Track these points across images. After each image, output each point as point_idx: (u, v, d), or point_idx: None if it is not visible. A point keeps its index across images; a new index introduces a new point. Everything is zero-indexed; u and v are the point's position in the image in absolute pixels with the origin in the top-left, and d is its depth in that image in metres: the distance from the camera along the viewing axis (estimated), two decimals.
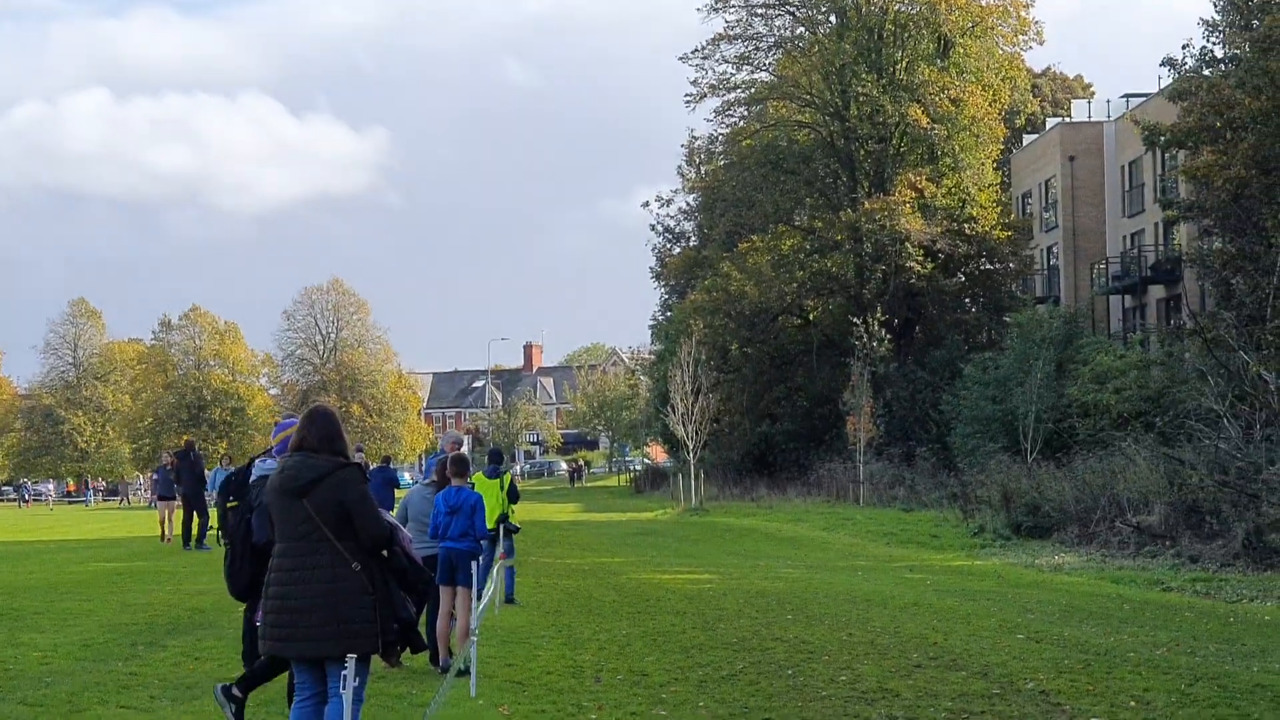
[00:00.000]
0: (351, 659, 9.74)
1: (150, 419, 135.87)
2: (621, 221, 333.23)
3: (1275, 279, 33.63)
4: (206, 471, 43.99)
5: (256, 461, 13.22)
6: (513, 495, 25.33)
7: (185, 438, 47.83)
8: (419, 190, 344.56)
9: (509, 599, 25.04)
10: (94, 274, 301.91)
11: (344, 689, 9.71)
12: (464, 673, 15.79)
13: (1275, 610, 26.32)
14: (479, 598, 20.63)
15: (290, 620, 10.03)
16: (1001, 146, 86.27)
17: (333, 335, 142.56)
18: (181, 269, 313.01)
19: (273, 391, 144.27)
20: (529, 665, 17.57)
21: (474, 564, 16.77)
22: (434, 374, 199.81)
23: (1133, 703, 14.91)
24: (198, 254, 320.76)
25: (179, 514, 41.90)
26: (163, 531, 43.67)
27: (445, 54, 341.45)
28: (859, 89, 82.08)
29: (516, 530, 26.15)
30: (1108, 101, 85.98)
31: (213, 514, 46.47)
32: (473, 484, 19.14)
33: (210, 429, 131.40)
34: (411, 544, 10.94)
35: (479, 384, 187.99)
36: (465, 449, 20.40)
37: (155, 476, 51.02)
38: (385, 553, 10.44)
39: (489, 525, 23.97)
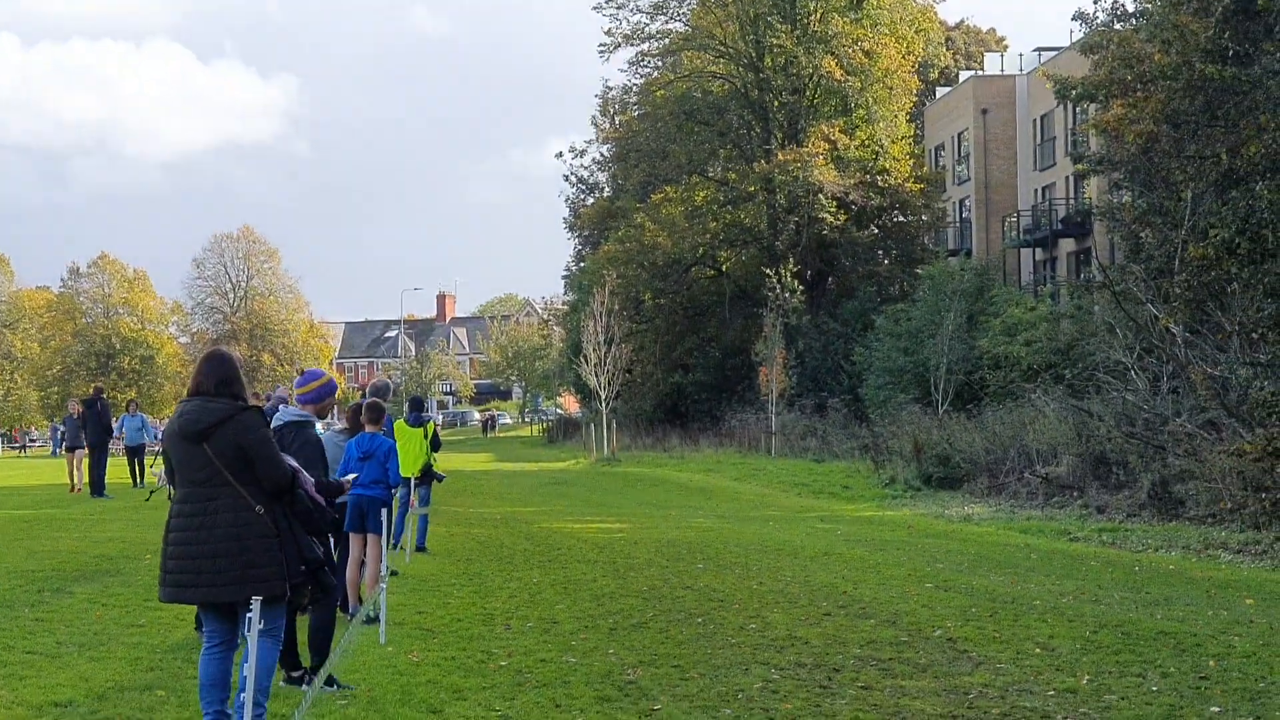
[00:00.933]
0: (257, 601, 9.61)
1: (59, 367, 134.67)
2: (534, 171, 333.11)
3: (1183, 232, 33.88)
4: (114, 420, 43.60)
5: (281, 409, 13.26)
6: (435, 444, 25.36)
7: (95, 385, 47.30)
8: (328, 139, 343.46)
9: (420, 547, 24.99)
10: (1, 221, 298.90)
11: (248, 631, 9.51)
12: (373, 620, 15.77)
13: (1179, 560, 26.63)
14: (394, 546, 20.60)
15: (193, 566, 9.95)
16: (914, 99, 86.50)
17: (243, 284, 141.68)
18: (90, 216, 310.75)
19: (182, 340, 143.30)
20: (439, 613, 17.54)
21: (384, 511, 16.69)
22: (346, 324, 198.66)
23: (1038, 649, 15.04)
24: (106, 202, 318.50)
25: (86, 462, 41.60)
26: (71, 480, 43.30)
27: (354, 1, 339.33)
28: (773, 40, 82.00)
29: (442, 479, 26.25)
30: (1020, 55, 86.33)
31: (115, 461, 46.18)
32: (387, 431, 19.09)
33: (119, 377, 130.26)
34: (315, 486, 10.84)
35: (392, 334, 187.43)
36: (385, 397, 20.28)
37: (62, 426, 50.33)
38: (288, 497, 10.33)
39: (414, 474, 23.99)
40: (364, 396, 18.96)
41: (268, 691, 10.13)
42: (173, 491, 10.72)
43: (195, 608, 12.30)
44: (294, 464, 10.62)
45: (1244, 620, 17.47)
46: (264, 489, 10.10)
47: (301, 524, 10.35)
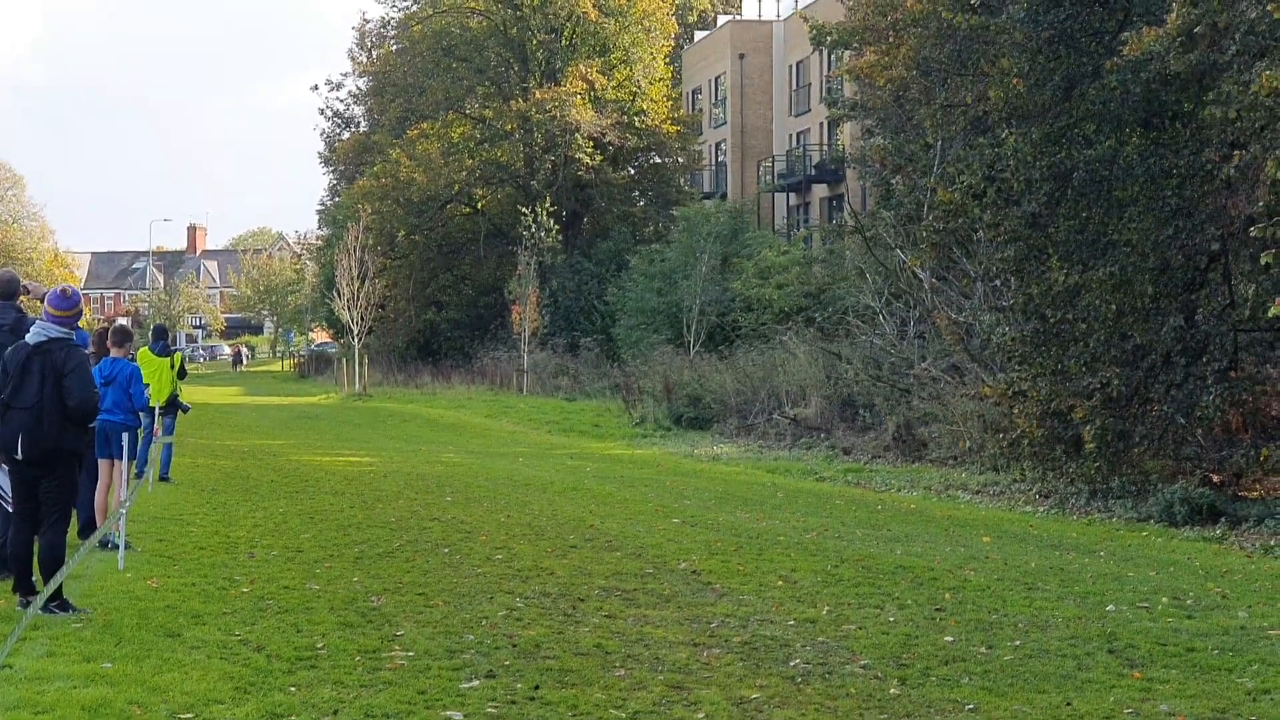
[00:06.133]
0: None
1: None
2: (286, 105, 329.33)
3: (931, 179, 34.44)
4: None
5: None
6: (180, 374, 25.10)
7: None
8: (70, 69, 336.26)
9: (164, 477, 24.65)
10: None
11: None
12: (112, 545, 15.53)
13: (921, 499, 27.20)
14: (139, 474, 20.26)
15: None
16: (672, 42, 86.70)
17: None
18: None
19: None
20: (181, 541, 17.33)
21: (125, 436, 16.39)
22: (92, 253, 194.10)
23: (780, 582, 15.27)
24: None
25: None
26: None
27: None
28: None
29: (187, 410, 25.97)
30: (777, 0, 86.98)
31: None
32: (133, 356, 18.82)
33: None
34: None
35: (140, 265, 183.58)
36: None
37: None
38: None
39: (160, 402, 23.63)
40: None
41: None
42: None
43: None
44: None
45: (980, 556, 17.90)
46: None
47: None
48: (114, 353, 17.45)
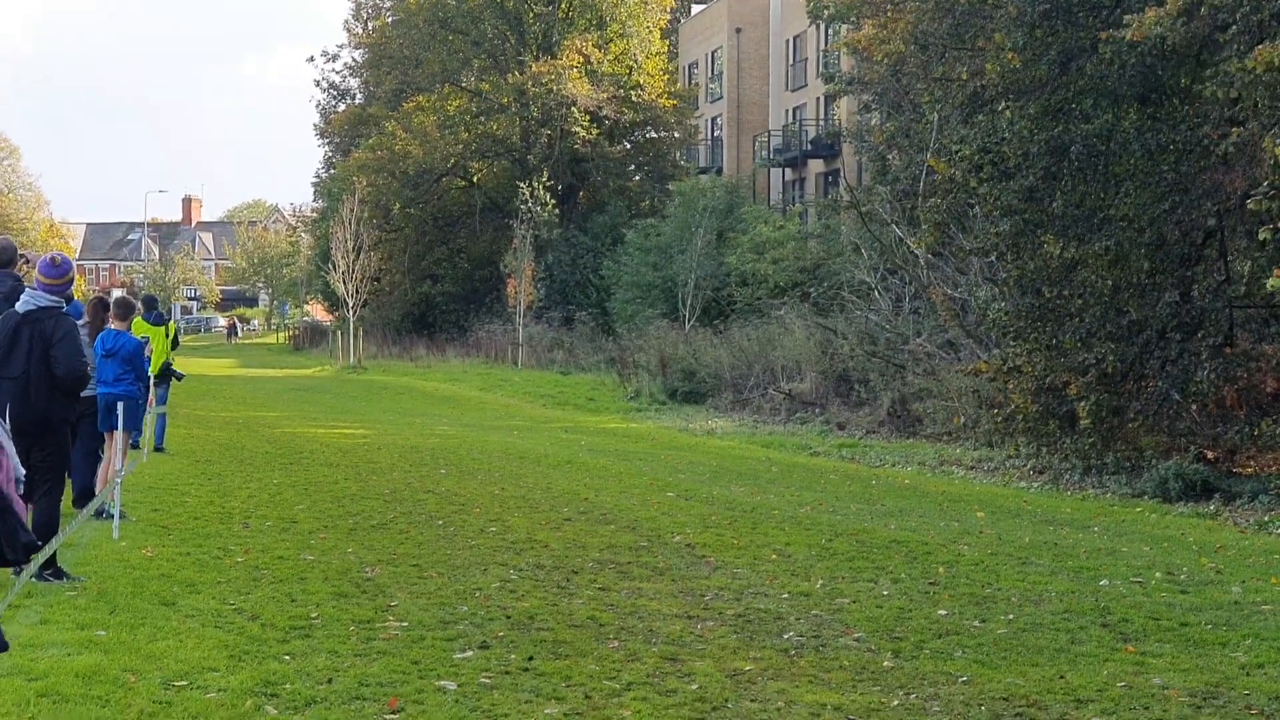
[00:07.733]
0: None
1: None
2: (282, 83, 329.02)
3: (928, 155, 34.40)
4: None
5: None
6: (174, 344, 25.13)
7: None
8: (66, 48, 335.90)
9: (158, 448, 24.64)
10: None
11: None
12: (107, 515, 15.51)
13: (915, 475, 27.21)
14: (134, 445, 20.23)
15: None
16: (669, 16, 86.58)
17: None
18: None
19: None
20: (176, 511, 17.30)
21: (120, 405, 16.32)
22: (88, 224, 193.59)
23: (774, 555, 15.26)
24: None
25: None
26: None
27: None
28: None
29: (181, 378, 26.02)
30: None
31: None
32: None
33: None
34: (13, 476, 9.11)
35: (135, 236, 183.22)
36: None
37: None
38: None
39: (154, 372, 23.61)
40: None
41: None
42: None
43: None
44: None
45: (974, 531, 17.90)
46: None
47: None
48: (117, 325, 17.39)
